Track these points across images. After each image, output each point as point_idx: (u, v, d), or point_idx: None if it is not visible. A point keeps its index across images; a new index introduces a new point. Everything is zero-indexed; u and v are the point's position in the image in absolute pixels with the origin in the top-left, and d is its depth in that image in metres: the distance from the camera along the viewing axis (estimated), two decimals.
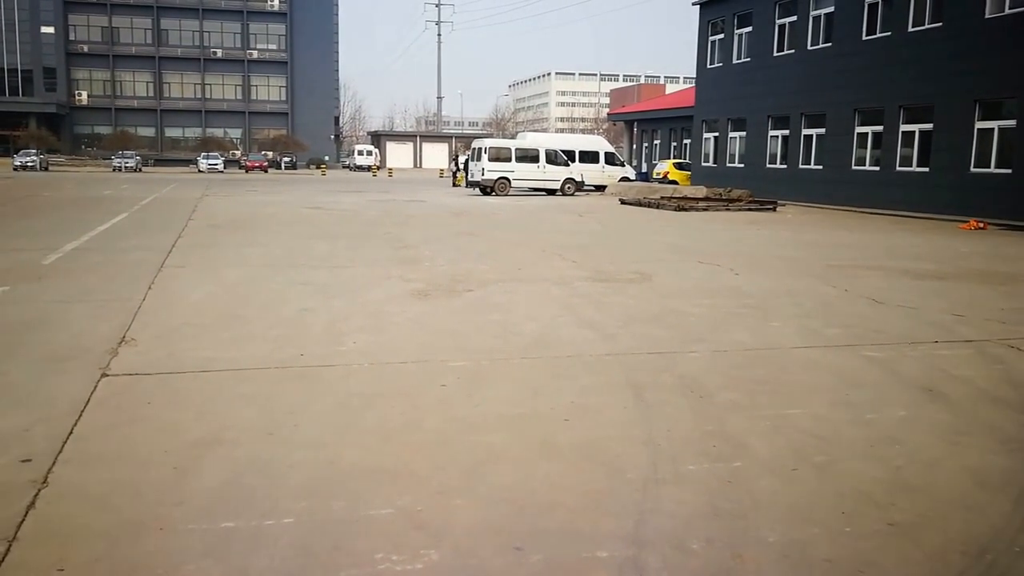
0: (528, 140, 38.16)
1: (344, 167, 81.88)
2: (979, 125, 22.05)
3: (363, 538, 3.28)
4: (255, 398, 5.09)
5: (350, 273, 10.37)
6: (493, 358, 6.23)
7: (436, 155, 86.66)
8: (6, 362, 5.74)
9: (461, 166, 39.72)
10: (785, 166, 29.86)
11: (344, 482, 3.83)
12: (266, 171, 63.59)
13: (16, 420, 4.55)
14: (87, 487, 3.70)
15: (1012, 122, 21.15)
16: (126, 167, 58.42)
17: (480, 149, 33.55)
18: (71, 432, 4.38)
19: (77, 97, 79.63)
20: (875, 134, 25.63)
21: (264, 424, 4.59)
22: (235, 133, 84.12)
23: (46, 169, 56.05)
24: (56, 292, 8.56)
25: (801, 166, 28.91)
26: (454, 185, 40.67)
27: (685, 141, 43.24)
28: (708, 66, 35.02)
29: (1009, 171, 21.13)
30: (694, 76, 37.07)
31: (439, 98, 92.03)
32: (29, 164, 54.37)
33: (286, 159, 73.96)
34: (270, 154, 73.86)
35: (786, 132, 29.81)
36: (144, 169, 60.57)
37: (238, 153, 76.41)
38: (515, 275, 10.47)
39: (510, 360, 6.19)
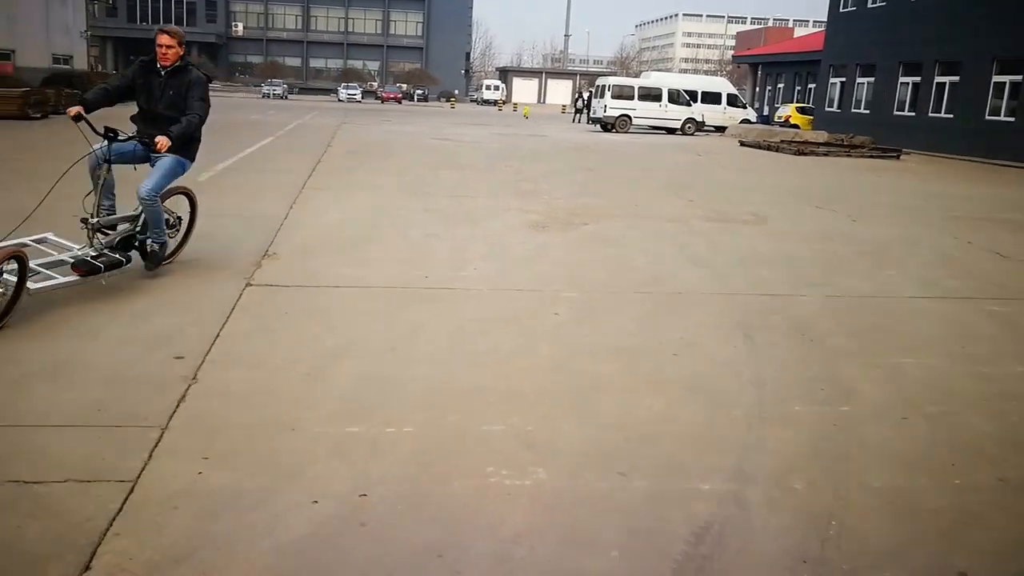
0: (652, 79, 37.10)
1: (472, 101, 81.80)
2: None
3: (476, 452, 3.32)
4: (381, 315, 5.20)
5: (473, 203, 10.40)
6: (605, 291, 6.15)
7: (560, 92, 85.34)
8: (165, 268, 6.03)
9: (584, 103, 39.04)
10: (913, 114, 27.98)
11: (459, 398, 3.87)
12: (400, 103, 64.17)
13: (172, 320, 4.80)
14: (230, 386, 3.88)
15: None
16: (274, 94, 60.04)
17: (604, 87, 32.91)
18: (218, 335, 4.59)
19: (234, 28, 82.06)
20: (1013, 84, 23.64)
21: (389, 339, 4.69)
22: (373, 65, 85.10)
23: None
24: (209, 207, 8.86)
25: (931, 114, 27.05)
26: (574, 121, 40.10)
27: (809, 86, 41.08)
28: (841, 9, 32.94)
29: None
30: (824, 20, 34.97)
31: (566, 36, 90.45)
32: None
33: (419, 92, 74.35)
34: (404, 86, 74.41)
35: (917, 79, 27.84)
36: (289, 97, 62.10)
37: (375, 84, 77.36)
38: (631, 211, 10.27)
39: (622, 294, 6.10)
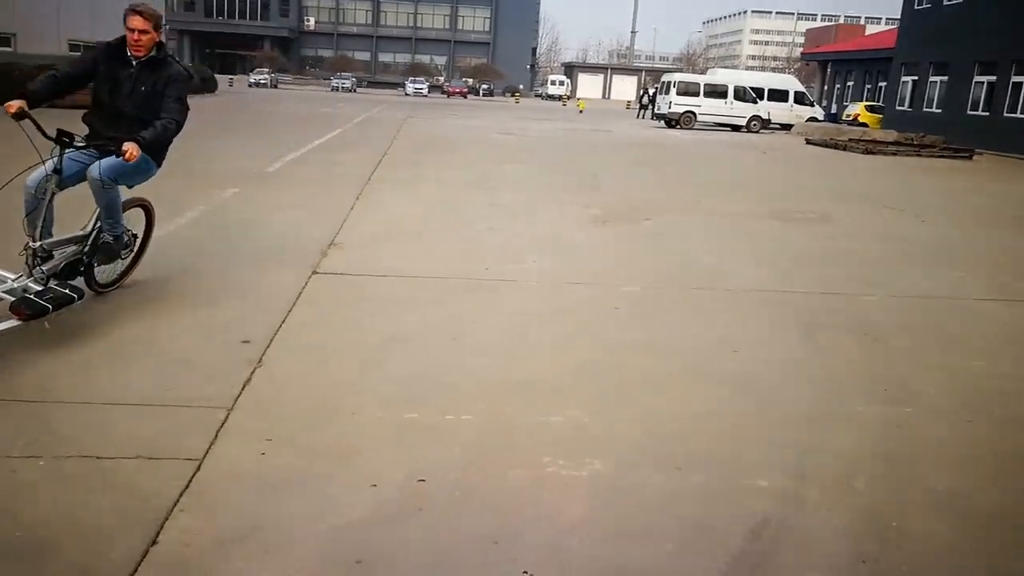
0: (718, 76, 36.53)
1: (536, 96, 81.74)
2: None
3: (532, 442, 3.31)
4: (442, 304, 5.23)
5: (536, 197, 10.38)
6: (666, 286, 6.08)
7: (625, 88, 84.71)
8: (234, 255, 6.17)
9: (649, 99, 38.67)
10: (987, 114, 26.97)
11: (517, 388, 3.87)
12: (465, 97, 64.39)
13: (240, 306, 4.91)
14: (294, 370, 3.95)
15: None
16: (342, 88, 60.90)
17: (669, 83, 32.57)
18: (284, 321, 4.67)
19: (306, 22, 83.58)
20: None
21: (449, 329, 4.71)
22: (440, 60, 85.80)
23: (275, 87, 59.41)
24: (277, 196, 9.09)
25: (1006, 114, 26.03)
26: (639, 117, 39.76)
27: (880, 84, 39.96)
28: (916, 7, 31.90)
29: None
30: (898, 17, 33.92)
31: (633, 32, 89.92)
32: (262, 82, 57.81)
33: (484, 86, 74.60)
34: (471, 81, 74.78)
35: (993, 78, 26.84)
36: (357, 90, 62.89)
37: (441, 79, 77.95)
38: (693, 207, 10.13)
39: (682, 289, 6.02)
